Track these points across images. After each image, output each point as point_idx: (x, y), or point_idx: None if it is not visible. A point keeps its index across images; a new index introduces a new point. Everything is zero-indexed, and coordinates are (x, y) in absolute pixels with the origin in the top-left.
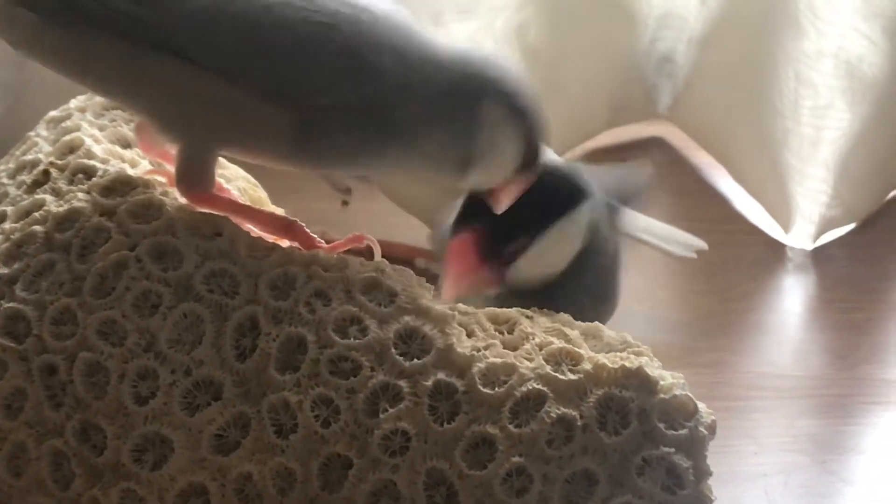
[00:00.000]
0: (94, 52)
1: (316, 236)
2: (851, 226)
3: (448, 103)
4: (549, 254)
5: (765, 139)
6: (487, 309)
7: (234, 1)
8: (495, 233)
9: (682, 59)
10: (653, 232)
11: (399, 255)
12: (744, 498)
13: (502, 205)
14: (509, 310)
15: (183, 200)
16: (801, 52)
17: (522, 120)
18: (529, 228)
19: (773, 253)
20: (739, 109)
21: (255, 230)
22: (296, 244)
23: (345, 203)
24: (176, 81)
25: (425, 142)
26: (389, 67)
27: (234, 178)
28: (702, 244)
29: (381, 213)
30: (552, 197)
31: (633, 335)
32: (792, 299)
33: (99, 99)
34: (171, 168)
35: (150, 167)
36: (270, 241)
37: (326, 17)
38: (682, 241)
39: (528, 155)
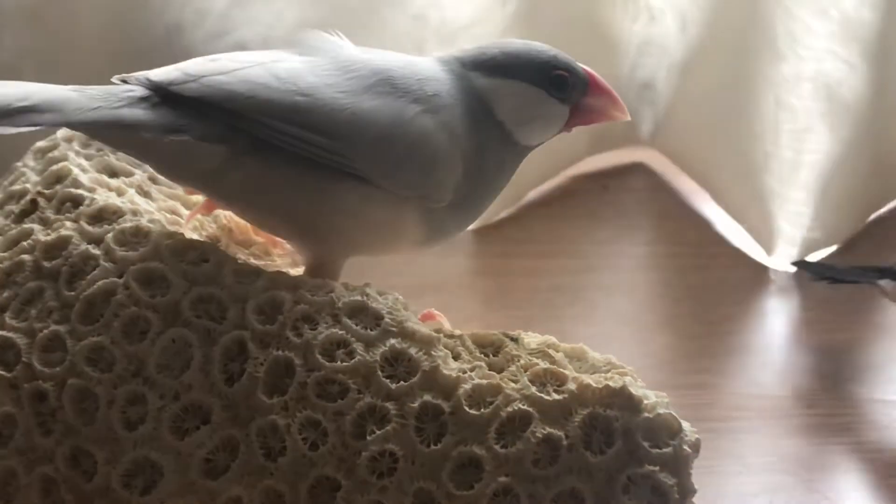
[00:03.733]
0: (278, 179)
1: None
2: (833, 248)
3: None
4: None
5: (746, 163)
6: (472, 332)
7: (397, 125)
8: None
9: (662, 85)
10: None
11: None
12: None
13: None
14: (494, 332)
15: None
16: (780, 77)
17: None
18: None
19: (756, 276)
20: (720, 134)
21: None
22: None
23: None
24: (357, 201)
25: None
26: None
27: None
28: None
29: None
30: None
31: (618, 357)
32: (775, 321)
33: None
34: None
35: (137, 195)
36: (256, 265)
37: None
38: None
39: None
